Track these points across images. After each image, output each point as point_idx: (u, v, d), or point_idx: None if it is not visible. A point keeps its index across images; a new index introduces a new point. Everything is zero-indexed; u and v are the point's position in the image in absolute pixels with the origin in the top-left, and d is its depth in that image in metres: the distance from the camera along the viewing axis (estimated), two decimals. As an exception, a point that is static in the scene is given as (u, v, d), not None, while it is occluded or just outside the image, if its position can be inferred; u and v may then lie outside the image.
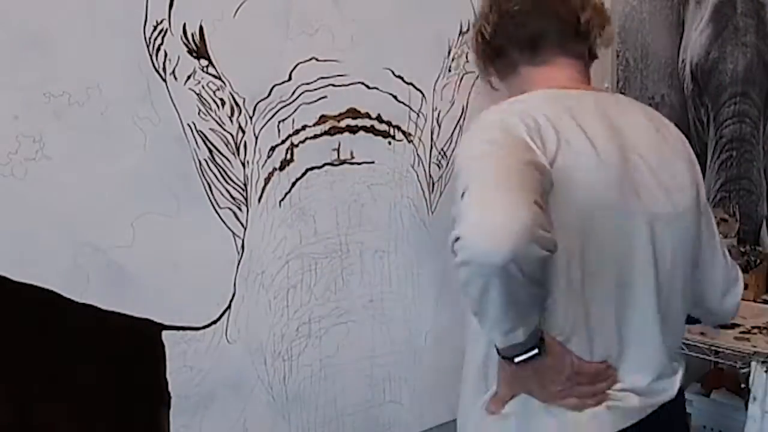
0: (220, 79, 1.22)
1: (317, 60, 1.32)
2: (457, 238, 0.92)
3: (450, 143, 1.53)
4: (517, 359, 1.04)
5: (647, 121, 1.22)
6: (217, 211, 1.24)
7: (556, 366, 1.07)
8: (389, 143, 1.43)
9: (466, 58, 1.52)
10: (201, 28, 1.19)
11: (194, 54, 1.19)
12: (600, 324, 1.09)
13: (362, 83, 1.38)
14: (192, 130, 1.20)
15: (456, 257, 0.93)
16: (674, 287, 1.16)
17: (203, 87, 1.20)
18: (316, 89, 1.32)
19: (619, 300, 1.11)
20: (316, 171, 1.34)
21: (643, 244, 1.11)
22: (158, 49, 1.15)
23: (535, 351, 1.03)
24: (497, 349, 1.06)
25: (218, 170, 1.23)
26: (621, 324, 1.11)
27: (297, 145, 1.31)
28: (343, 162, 1.37)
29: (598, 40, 1.25)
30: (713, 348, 1.88)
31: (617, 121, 1.15)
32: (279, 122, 1.29)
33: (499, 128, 1.05)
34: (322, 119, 1.34)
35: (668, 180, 1.16)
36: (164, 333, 1.19)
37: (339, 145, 1.36)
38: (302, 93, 1.31)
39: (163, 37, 1.15)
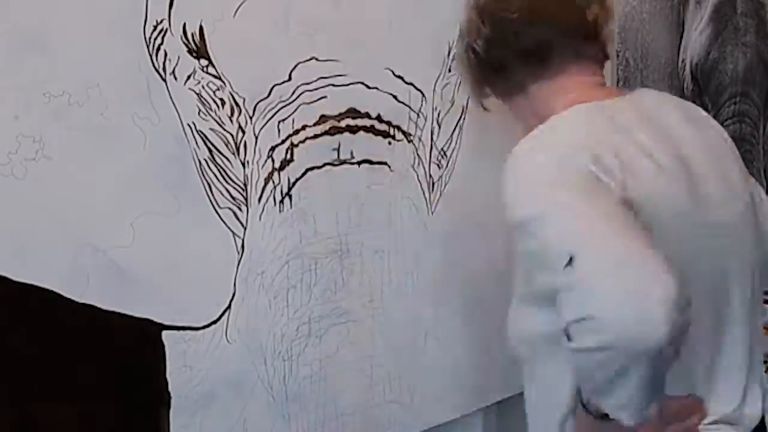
0: (220, 79, 1.22)
1: (317, 60, 1.32)
2: (583, 318, 0.79)
3: (450, 143, 1.53)
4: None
5: (686, 118, 1.09)
6: (217, 211, 1.24)
7: None
8: (389, 143, 1.43)
9: (466, 58, 1.52)
10: (201, 28, 1.19)
11: (194, 54, 1.19)
12: (694, 358, 0.98)
13: (362, 83, 1.38)
14: (192, 130, 1.20)
15: (579, 342, 0.80)
16: (756, 299, 1.06)
17: (203, 87, 1.20)
18: (316, 89, 1.32)
19: (714, 329, 1.00)
20: (316, 171, 1.34)
21: (732, 261, 1.00)
22: (158, 49, 1.15)
23: None
24: (584, 406, 0.94)
25: (218, 170, 1.23)
26: (714, 353, 1.00)
27: (297, 145, 1.31)
28: (343, 162, 1.37)
29: (609, 36, 1.13)
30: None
31: (661, 126, 1.03)
32: (279, 122, 1.29)
33: (559, 166, 0.91)
34: (322, 119, 1.34)
35: (724, 183, 1.05)
36: (164, 333, 1.19)
37: (339, 145, 1.36)
38: (302, 93, 1.31)
39: (163, 37, 1.15)
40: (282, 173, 1.30)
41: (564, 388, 0.98)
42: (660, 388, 0.86)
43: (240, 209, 1.26)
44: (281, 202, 1.31)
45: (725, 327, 1.02)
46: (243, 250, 1.27)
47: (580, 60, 1.09)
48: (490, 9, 1.12)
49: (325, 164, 1.35)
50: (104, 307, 1.13)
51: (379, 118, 1.41)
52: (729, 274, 1.01)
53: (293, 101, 1.30)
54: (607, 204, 0.88)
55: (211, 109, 1.21)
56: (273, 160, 1.29)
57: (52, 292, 1.08)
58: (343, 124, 1.36)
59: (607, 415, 0.90)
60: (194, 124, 1.20)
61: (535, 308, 0.99)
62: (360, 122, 1.38)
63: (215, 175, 1.23)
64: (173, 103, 1.17)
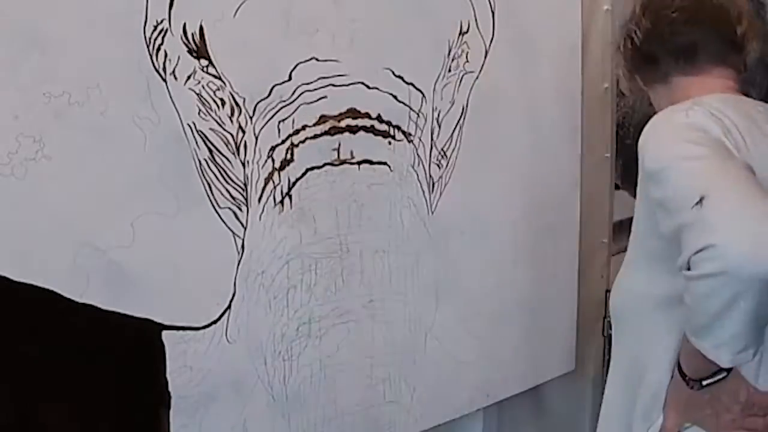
0: (220, 79, 1.22)
1: (317, 60, 1.32)
2: (704, 248, 0.88)
3: (450, 143, 1.53)
4: (705, 382, 1.00)
5: None
6: (217, 211, 1.24)
7: (735, 392, 1.02)
8: (389, 143, 1.43)
9: (467, 58, 1.52)
10: (201, 28, 1.19)
11: (194, 54, 1.19)
12: None
13: (362, 83, 1.38)
14: (192, 130, 1.20)
15: (698, 269, 0.89)
16: None
17: (203, 87, 1.20)
18: (316, 89, 1.32)
19: None
20: (316, 171, 1.34)
21: None
22: (158, 49, 1.15)
23: (724, 374, 0.99)
24: (681, 371, 1.03)
25: (218, 170, 1.23)
26: None
27: (297, 145, 1.31)
28: (343, 162, 1.37)
29: (751, 53, 1.23)
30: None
31: None
32: (279, 122, 1.29)
33: (695, 129, 1.03)
34: (322, 119, 1.34)
35: None
36: (164, 333, 1.19)
37: (339, 145, 1.36)
38: (302, 93, 1.31)
39: (163, 37, 1.15)
40: (282, 173, 1.30)
41: (666, 351, 1.09)
42: (761, 332, 0.94)
43: (240, 209, 1.26)
44: (281, 202, 1.31)
45: None
46: (243, 250, 1.27)
47: (724, 66, 1.21)
48: (654, 5, 1.23)
49: (325, 164, 1.35)
50: (104, 307, 1.13)
51: (379, 118, 1.41)
52: None
53: (293, 101, 1.30)
54: (733, 162, 0.99)
55: (211, 109, 1.21)
56: (273, 160, 1.29)
57: (52, 292, 1.08)
58: (343, 124, 1.36)
59: (701, 385, 1.01)
60: (194, 124, 1.20)
61: (647, 273, 1.13)
62: (360, 122, 1.38)
63: (215, 175, 1.23)
64: (173, 103, 1.17)
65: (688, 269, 0.93)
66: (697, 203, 0.92)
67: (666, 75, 1.22)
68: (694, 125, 1.05)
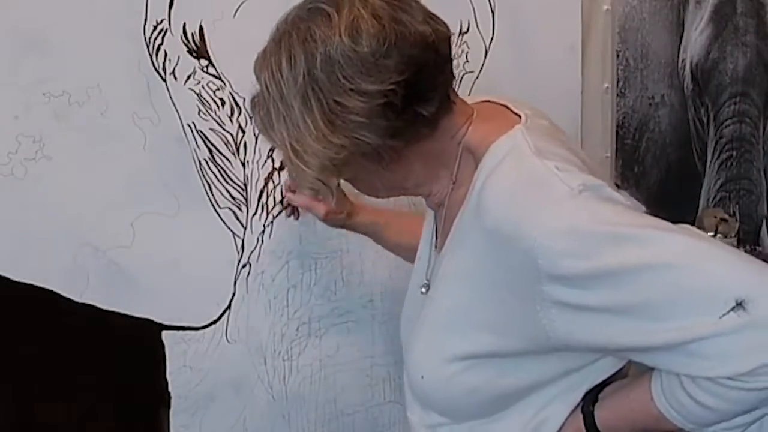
0: (220, 79, 1.22)
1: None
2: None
3: (450, 143, 1.53)
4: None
5: None
6: (217, 211, 1.24)
7: None
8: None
9: (467, 57, 1.52)
10: (201, 28, 1.19)
11: (194, 54, 1.19)
12: None
13: (362, 83, 1.37)
14: (192, 130, 1.20)
15: (758, 382, 0.78)
16: None
17: (203, 87, 1.20)
18: (316, 89, 1.32)
19: None
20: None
21: None
22: (158, 49, 1.15)
23: None
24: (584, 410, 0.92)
25: (218, 170, 1.23)
26: None
27: (297, 145, 1.31)
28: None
29: None
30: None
31: None
32: (279, 122, 1.29)
33: (597, 198, 0.82)
34: (322, 119, 1.33)
35: None
36: (164, 333, 1.19)
37: (339, 145, 1.36)
38: (302, 93, 1.30)
39: (163, 37, 1.15)
40: (282, 173, 1.30)
41: None
42: None
43: (240, 209, 1.26)
44: (281, 202, 1.31)
45: None
46: (243, 250, 1.27)
47: None
48: None
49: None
50: (104, 307, 1.13)
51: (379, 118, 1.41)
52: None
53: (293, 101, 1.30)
54: (695, 232, 0.88)
55: (211, 109, 1.21)
56: (273, 160, 1.29)
57: (52, 292, 1.08)
58: (343, 124, 1.36)
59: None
60: (194, 124, 1.20)
61: (517, 361, 0.90)
62: (360, 122, 1.38)
63: (215, 175, 1.23)
64: (173, 103, 1.17)
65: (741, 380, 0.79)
66: (733, 309, 0.77)
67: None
68: (590, 190, 0.82)
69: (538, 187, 0.82)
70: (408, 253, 1.14)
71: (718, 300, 0.78)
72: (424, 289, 1.00)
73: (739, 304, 0.77)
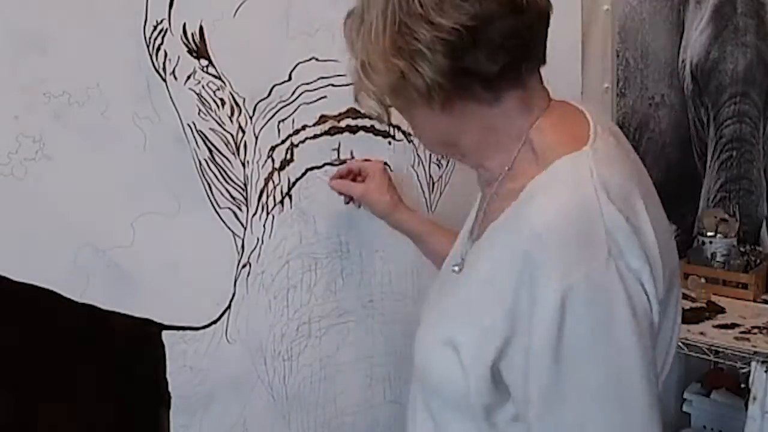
0: (220, 79, 1.22)
1: (317, 60, 1.32)
2: None
3: (450, 143, 1.53)
4: None
5: None
6: (217, 211, 1.24)
7: None
8: (389, 143, 1.43)
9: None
10: (201, 28, 1.19)
11: (194, 54, 1.19)
12: None
13: (362, 83, 1.37)
14: (192, 130, 1.20)
15: None
16: None
17: (203, 87, 1.20)
18: (316, 89, 1.32)
19: None
20: (316, 171, 1.34)
21: None
22: (158, 49, 1.15)
23: None
24: None
25: (218, 170, 1.23)
26: None
27: (297, 145, 1.31)
28: (343, 162, 1.37)
29: None
30: (713, 348, 1.88)
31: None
32: (279, 122, 1.29)
33: (624, 300, 0.81)
34: (322, 119, 1.34)
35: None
36: (164, 333, 1.19)
37: (339, 145, 1.36)
38: (302, 93, 1.31)
39: (163, 37, 1.15)
40: (282, 173, 1.30)
41: None
42: None
43: (240, 209, 1.26)
44: (281, 202, 1.31)
45: None
46: (243, 250, 1.27)
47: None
48: None
49: (325, 164, 1.35)
50: (104, 307, 1.13)
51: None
52: None
53: (293, 101, 1.30)
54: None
55: (211, 109, 1.21)
56: (273, 160, 1.29)
57: (52, 292, 1.08)
58: (343, 124, 1.36)
59: None
60: (194, 124, 1.20)
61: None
62: (360, 122, 1.38)
63: (215, 175, 1.23)
64: (173, 103, 1.17)
65: None
66: None
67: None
68: (641, 256, 0.83)
69: (582, 235, 0.82)
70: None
71: None
72: (456, 268, 0.99)
73: None
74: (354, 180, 1.34)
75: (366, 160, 1.36)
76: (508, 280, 0.83)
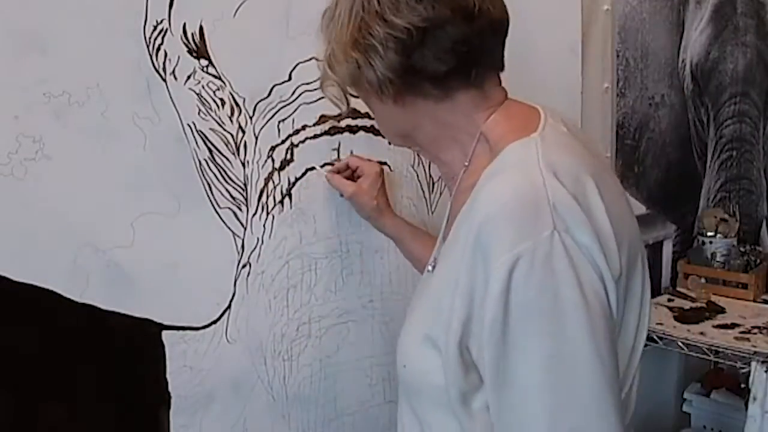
0: (220, 79, 1.22)
1: (317, 60, 1.31)
2: None
3: (450, 143, 1.53)
4: None
5: None
6: (217, 211, 1.24)
7: None
8: (389, 143, 1.43)
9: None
10: (201, 28, 1.19)
11: (194, 54, 1.19)
12: None
13: (362, 83, 1.37)
14: (192, 130, 1.20)
15: None
16: None
17: (203, 87, 1.20)
18: (316, 89, 1.32)
19: None
20: (316, 171, 1.34)
21: None
22: (158, 49, 1.15)
23: None
24: None
25: (218, 170, 1.23)
26: None
27: (297, 145, 1.31)
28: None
29: None
30: (713, 348, 1.88)
31: None
32: (279, 122, 1.29)
33: (579, 257, 0.83)
34: (322, 119, 1.34)
35: None
36: (164, 333, 1.19)
37: (339, 145, 1.36)
38: (302, 93, 1.31)
39: (163, 37, 1.15)
40: (282, 173, 1.30)
41: None
42: None
43: (240, 209, 1.26)
44: (281, 202, 1.31)
45: None
46: (243, 250, 1.27)
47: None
48: None
49: (325, 164, 1.35)
50: (104, 307, 1.13)
51: (379, 118, 1.41)
52: None
53: (293, 101, 1.30)
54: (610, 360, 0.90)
55: (211, 109, 1.21)
56: (273, 160, 1.29)
57: (52, 292, 1.08)
58: (343, 124, 1.36)
59: None
60: (194, 124, 1.20)
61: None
62: (360, 122, 1.38)
63: (215, 175, 1.23)
64: (173, 103, 1.17)
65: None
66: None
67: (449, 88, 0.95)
68: (591, 235, 0.84)
69: (527, 211, 0.84)
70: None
71: None
72: (430, 268, 1.01)
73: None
74: (351, 177, 1.35)
75: (368, 159, 1.36)
76: (465, 264, 0.85)
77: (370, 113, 1.06)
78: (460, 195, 0.97)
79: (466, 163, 0.98)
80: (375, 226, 1.37)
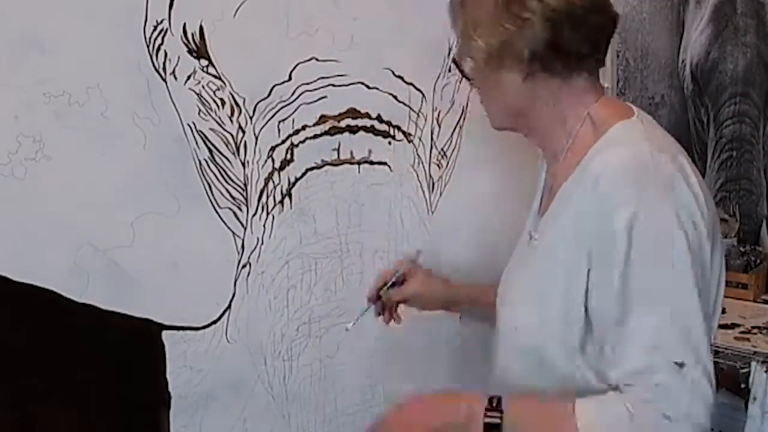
0: (220, 79, 1.22)
1: (317, 60, 1.32)
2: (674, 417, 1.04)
3: (450, 143, 1.53)
4: None
5: None
6: (217, 211, 1.24)
7: None
8: (389, 143, 1.43)
9: (466, 58, 1.52)
10: (201, 28, 1.19)
11: (194, 54, 1.19)
12: None
13: (362, 83, 1.37)
14: (192, 130, 1.20)
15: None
16: None
17: (203, 87, 1.20)
18: (316, 89, 1.32)
19: None
20: (316, 171, 1.34)
21: None
22: (158, 49, 1.15)
23: None
24: None
25: (218, 170, 1.23)
26: None
27: (297, 145, 1.31)
28: (343, 162, 1.37)
29: None
30: (713, 348, 1.88)
31: None
32: (279, 122, 1.29)
33: (693, 209, 0.99)
34: (322, 119, 1.34)
35: None
36: (164, 333, 1.19)
37: (339, 145, 1.36)
38: (302, 93, 1.31)
39: (163, 37, 1.15)
40: (282, 173, 1.30)
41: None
42: None
43: (240, 209, 1.26)
44: (281, 202, 1.31)
45: None
46: (243, 250, 1.27)
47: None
48: None
49: (325, 164, 1.35)
50: (104, 307, 1.13)
51: (379, 118, 1.41)
52: None
53: (293, 101, 1.30)
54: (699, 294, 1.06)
55: (211, 109, 1.21)
56: (273, 160, 1.29)
57: (52, 292, 1.08)
58: (343, 124, 1.36)
59: None
60: (194, 124, 1.20)
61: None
62: (360, 122, 1.38)
63: (215, 175, 1.23)
64: (173, 103, 1.17)
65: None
66: (678, 364, 1.03)
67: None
68: (693, 200, 1.00)
69: (641, 172, 0.98)
70: None
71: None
72: (529, 238, 1.13)
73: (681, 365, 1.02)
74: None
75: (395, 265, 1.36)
76: (584, 225, 0.99)
77: (482, 93, 1.14)
78: (563, 170, 1.08)
79: (569, 142, 1.08)
80: (452, 300, 1.39)
